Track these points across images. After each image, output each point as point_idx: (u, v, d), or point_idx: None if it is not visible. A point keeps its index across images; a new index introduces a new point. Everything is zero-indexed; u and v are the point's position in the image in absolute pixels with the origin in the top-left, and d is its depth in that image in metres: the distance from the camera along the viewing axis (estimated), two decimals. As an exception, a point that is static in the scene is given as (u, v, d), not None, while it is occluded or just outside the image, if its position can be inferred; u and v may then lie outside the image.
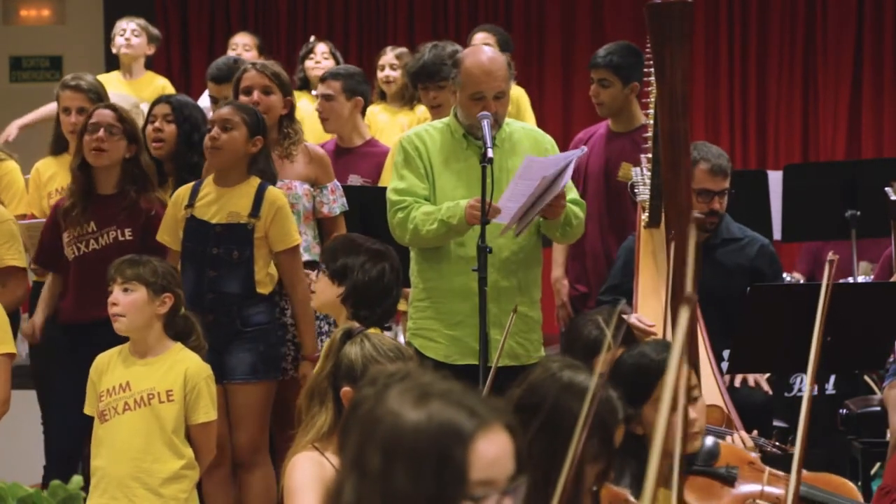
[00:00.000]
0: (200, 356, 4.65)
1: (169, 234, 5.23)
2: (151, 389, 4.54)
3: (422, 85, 6.20)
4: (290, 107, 5.60)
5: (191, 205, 5.21)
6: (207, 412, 4.60)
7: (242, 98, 5.51)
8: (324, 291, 4.59)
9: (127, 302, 4.54)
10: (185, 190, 5.28)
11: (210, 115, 6.15)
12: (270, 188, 5.21)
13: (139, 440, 4.51)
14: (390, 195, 5.11)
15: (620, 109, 6.06)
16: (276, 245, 5.16)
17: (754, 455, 3.98)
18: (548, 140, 5.27)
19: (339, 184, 5.66)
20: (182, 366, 4.59)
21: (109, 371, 4.60)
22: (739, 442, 4.22)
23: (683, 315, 1.90)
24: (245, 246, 5.14)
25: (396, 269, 4.65)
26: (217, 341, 5.10)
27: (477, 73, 5.02)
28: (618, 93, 6.02)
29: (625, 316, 5.08)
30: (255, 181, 5.21)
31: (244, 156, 5.21)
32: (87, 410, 4.65)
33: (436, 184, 5.08)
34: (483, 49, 5.34)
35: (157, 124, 5.71)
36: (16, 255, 5.29)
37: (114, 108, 5.44)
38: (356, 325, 3.85)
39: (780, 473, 3.73)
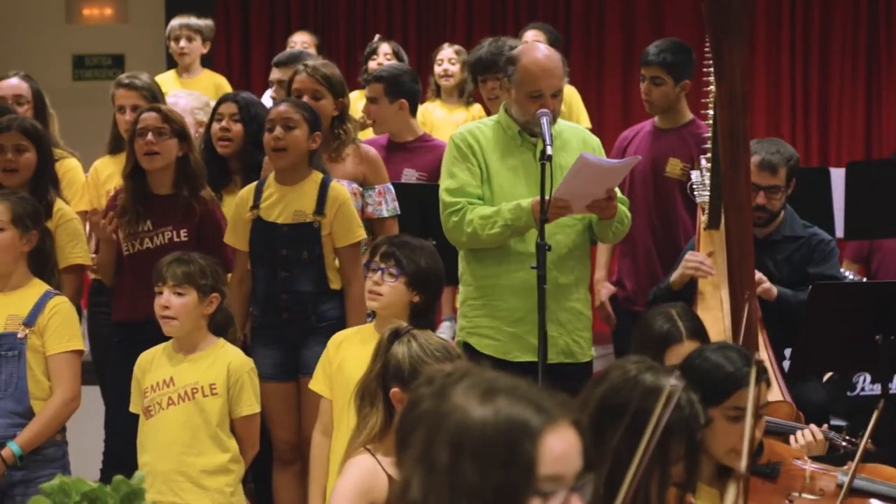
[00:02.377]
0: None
1: (236, 235, 5.25)
2: (195, 384, 4.57)
3: (481, 77, 6.21)
4: (342, 108, 5.58)
5: (256, 206, 5.22)
6: (251, 405, 4.63)
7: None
8: (398, 295, 4.48)
9: (178, 305, 4.57)
10: (248, 191, 5.29)
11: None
12: (333, 184, 5.21)
13: (183, 434, 4.55)
14: (443, 196, 5.10)
15: (669, 107, 6.04)
16: (339, 241, 5.17)
17: (825, 442, 3.95)
18: (595, 141, 5.28)
19: (390, 187, 5.59)
20: (225, 360, 4.62)
21: (153, 368, 4.63)
22: (810, 436, 4.19)
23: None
24: (313, 245, 5.15)
25: None
26: (292, 337, 5.14)
27: (535, 71, 5.02)
28: (669, 91, 6.00)
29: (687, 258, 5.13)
30: (318, 177, 5.22)
31: (307, 152, 5.22)
32: (133, 409, 4.68)
33: (492, 181, 5.07)
34: (538, 46, 5.33)
35: (224, 123, 5.74)
36: (80, 253, 5.34)
37: (158, 108, 5.43)
38: (402, 324, 3.85)
39: (823, 468, 3.71)
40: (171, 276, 4.58)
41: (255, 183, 5.33)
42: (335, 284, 5.19)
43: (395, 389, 3.59)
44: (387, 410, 3.62)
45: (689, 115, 6.10)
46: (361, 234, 5.21)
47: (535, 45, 5.39)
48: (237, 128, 5.73)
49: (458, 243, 5.10)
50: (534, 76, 5.01)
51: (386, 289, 4.49)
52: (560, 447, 1.87)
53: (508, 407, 1.86)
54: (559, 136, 5.10)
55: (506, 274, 5.03)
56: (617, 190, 5.13)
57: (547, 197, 4.76)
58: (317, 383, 4.60)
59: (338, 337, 4.65)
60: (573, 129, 5.31)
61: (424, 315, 4.52)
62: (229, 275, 5.20)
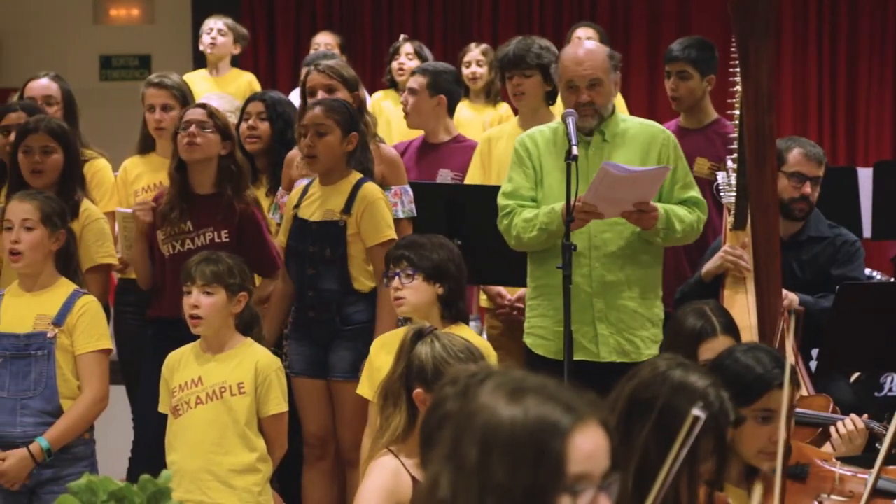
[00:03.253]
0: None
1: (284, 235, 5.31)
2: (223, 383, 4.59)
3: (508, 73, 6.21)
4: (359, 102, 5.57)
5: (298, 205, 5.26)
6: (279, 404, 4.64)
7: (309, 100, 5.50)
8: (421, 294, 4.53)
9: (207, 304, 4.59)
10: (297, 191, 5.34)
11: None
12: (366, 184, 5.22)
13: (211, 433, 4.56)
14: (499, 199, 5.14)
15: (696, 103, 6.02)
16: (368, 240, 5.16)
17: (865, 432, 3.93)
18: (664, 135, 5.20)
19: (408, 189, 5.58)
20: (252, 359, 4.63)
21: (181, 368, 4.65)
22: (851, 426, 4.17)
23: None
24: (338, 243, 5.17)
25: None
26: (320, 337, 5.16)
27: (567, 63, 5.08)
28: (696, 85, 6.01)
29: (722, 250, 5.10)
30: (355, 178, 5.23)
31: (342, 156, 5.24)
32: (161, 409, 4.71)
33: (544, 183, 5.10)
34: (581, 42, 5.35)
35: (251, 122, 5.79)
36: (107, 253, 5.36)
37: (204, 105, 5.50)
38: (426, 324, 3.85)
39: (852, 470, 3.70)
40: (199, 275, 4.60)
41: (305, 183, 5.36)
42: (360, 286, 5.19)
43: (418, 390, 3.59)
44: (410, 411, 3.63)
45: (714, 115, 6.09)
46: (390, 234, 5.20)
47: (575, 41, 5.41)
48: (264, 126, 5.78)
49: (510, 245, 5.14)
50: (565, 68, 5.08)
51: (407, 291, 4.53)
52: (589, 446, 1.88)
53: (537, 406, 1.87)
54: (622, 133, 5.09)
55: (555, 274, 4.97)
56: (694, 190, 5.10)
57: (573, 198, 4.76)
58: (364, 388, 4.64)
59: (379, 341, 4.69)
60: (642, 126, 5.24)
61: (454, 303, 4.56)
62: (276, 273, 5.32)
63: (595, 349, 5.01)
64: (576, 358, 4.93)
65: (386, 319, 5.07)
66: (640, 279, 5.09)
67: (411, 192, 5.59)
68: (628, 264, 5.06)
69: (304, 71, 6.79)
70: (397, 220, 5.50)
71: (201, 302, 4.59)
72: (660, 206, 4.98)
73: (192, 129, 5.29)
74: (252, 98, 5.98)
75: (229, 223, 5.29)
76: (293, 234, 5.25)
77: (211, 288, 4.59)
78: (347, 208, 5.17)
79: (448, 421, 1.93)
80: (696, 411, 2.32)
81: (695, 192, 5.15)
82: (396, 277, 4.56)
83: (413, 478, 3.58)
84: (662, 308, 5.19)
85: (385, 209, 5.23)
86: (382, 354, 4.55)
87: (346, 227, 5.17)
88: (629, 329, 5.04)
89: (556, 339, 5.03)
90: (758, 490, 3.33)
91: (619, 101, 7.67)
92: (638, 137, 5.12)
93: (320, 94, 5.50)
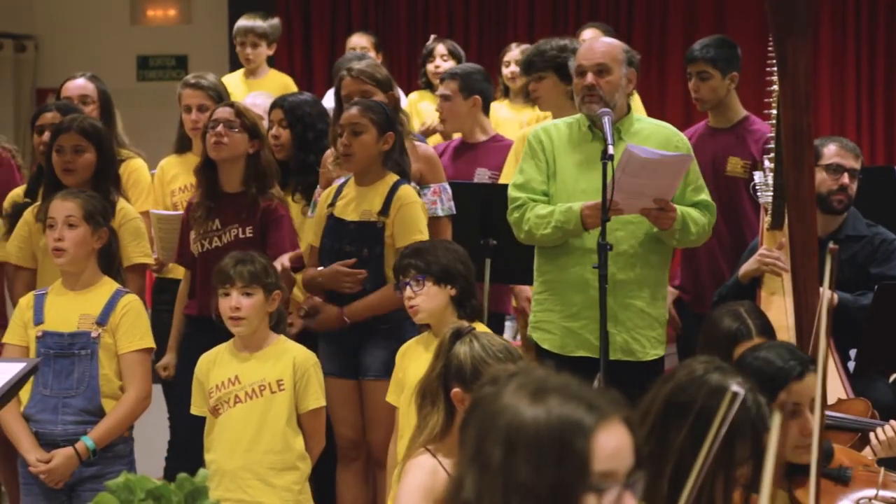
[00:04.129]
0: None
1: (313, 233, 5.32)
2: (262, 381, 4.61)
3: (527, 77, 6.23)
4: (393, 101, 5.58)
5: (332, 204, 5.27)
6: (317, 398, 4.66)
7: (344, 105, 5.51)
8: (434, 298, 4.54)
9: (248, 305, 4.61)
10: (330, 190, 5.35)
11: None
12: (403, 187, 5.23)
13: (251, 432, 4.58)
14: (510, 191, 5.15)
15: (720, 102, 6.01)
16: (399, 241, 5.16)
17: (870, 457, 3.92)
18: (678, 138, 5.23)
19: (446, 187, 5.59)
20: (289, 355, 4.65)
21: (217, 367, 4.67)
22: (891, 432, 4.15)
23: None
24: (375, 244, 5.18)
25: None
26: (352, 338, 5.17)
27: (581, 52, 5.18)
28: (718, 84, 5.98)
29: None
30: (391, 179, 5.24)
31: (377, 155, 5.24)
32: (194, 410, 4.72)
33: (557, 177, 5.09)
34: (600, 37, 5.35)
35: (273, 130, 5.81)
36: (143, 253, 5.39)
37: (232, 104, 5.52)
38: (465, 323, 3.86)
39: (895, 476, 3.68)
40: (238, 277, 4.62)
41: (338, 183, 5.36)
42: None
43: (456, 389, 3.60)
44: (447, 410, 3.63)
45: (743, 112, 6.07)
46: (423, 235, 5.21)
47: (595, 37, 5.41)
48: (285, 133, 5.78)
49: (519, 239, 5.15)
50: (578, 55, 5.17)
51: (420, 299, 4.56)
52: (613, 444, 1.88)
53: (560, 406, 1.88)
54: (638, 133, 5.10)
55: (564, 269, 5.04)
56: (704, 194, 5.12)
57: (611, 197, 4.75)
58: (391, 395, 4.65)
59: (403, 348, 4.70)
60: (656, 127, 5.27)
61: (468, 301, 4.57)
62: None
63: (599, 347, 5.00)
64: (579, 354, 4.99)
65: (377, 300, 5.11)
66: (650, 279, 5.10)
67: (450, 190, 5.60)
68: (639, 264, 5.07)
69: (337, 74, 6.81)
70: (436, 219, 5.52)
71: (242, 303, 4.61)
72: (677, 207, 4.98)
73: (220, 128, 5.33)
74: (273, 105, 5.97)
75: (253, 219, 5.32)
76: (328, 233, 5.26)
77: (250, 289, 4.61)
78: (385, 210, 5.18)
79: (474, 421, 1.93)
80: (734, 387, 2.30)
81: (706, 196, 5.16)
82: (408, 287, 4.57)
83: (450, 476, 3.58)
84: (667, 309, 5.23)
85: (420, 213, 5.23)
86: (404, 361, 4.59)
87: (383, 229, 5.18)
88: (637, 328, 5.05)
89: (562, 335, 5.06)
90: (803, 492, 3.31)
91: (636, 102, 7.64)
92: (653, 138, 5.13)
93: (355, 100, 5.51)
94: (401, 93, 6.04)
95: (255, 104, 6.14)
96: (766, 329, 4.20)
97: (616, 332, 5.01)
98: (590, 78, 5.04)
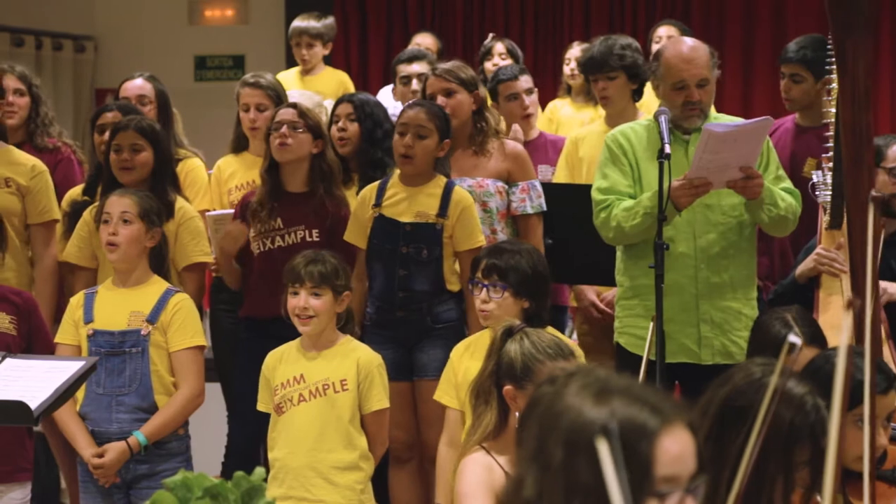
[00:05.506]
0: None
1: (357, 233, 5.30)
2: (326, 380, 4.62)
3: (592, 77, 6.18)
4: (479, 101, 5.58)
5: (378, 204, 5.26)
6: (381, 400, 4.65)
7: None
8: (508, 309, 4.50)
9: (317, 305, 4.62)
10: (370, 190, 5.34)
11: (391, 110, 6.24)
12: (457, 188, 5.24)
13: (315, 430, 4.58)
14: (594, 195, 5.05)
15: (811, 104, 5.93)
16: (460, 245, 5.19)
17: None
18: None
19: (536, 184, 5.58)
20: (354, 355, 4.66)
21: (283, 365, 4.68)
22: None
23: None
24: (434, 245, 5.18)
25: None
26: (407, 338, 5.16)
27: (677, 62, 4.98)
28: (810, 88, 5.90)
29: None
30: (442, 181, 5.26)
31: (433, 161, 5.27)
32: (261, 407, 4.73)
33: (643, 180, 5.01)
34: (683, 39, 5.27)
35: (340, 124, 5.82)
36: (202, 251, 5.42)
37: (295, 105, 5.54)
38: (516, 321, 3.85)
39: None
40: (308, 277, 4.63)
41: (377, 182, 5.37)
42: (452, 286, 5.22)
43: (507, 387, 3.60)
44: (500, 408, 3.64)
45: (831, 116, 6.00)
46: (481, 240, 5.22)
47: (679, 39, 5.33)
48: (353, 127, 5.81)
49: (607, 239, 5.05)
50: (676, 67, 4.97)
51: (493, 305, 4.53)
52: (676, 448, 1.87)
53: (624, 408, 1.87)
54: None
55: (653, 273, 4.89)
56: (787, 182, 5.03)
57: (665, 197, 4.70)
58: (442, 394, 4.63)
59: (460, 347, 4.68)
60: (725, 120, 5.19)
61: (537, 317, 4.53)
62: None
63: (697, 351, 4.95)
64: (676, 360, 4.88)
65: (476, 320, 5.04)
66: (742, 279, 5.03)
67: (539, 187, 5.59)
68: (732, 265, 5.00)
69: (402, 68, 6.83)
70: (526, 216, 5.51)
71: (311, 303, 4.62)
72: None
73: (284, 129, 5.35)
74: (341, 100, 6.01)
75: (321, 223, 5.33)
76: (378, 234, 5.25)
77: (319, 289, 4.62)
78: (443, 211, 5.18)
79: (536, 420, 1.92)
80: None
81: (789, 184, 5.08)
82: (485, 289, 4.55)
83: (506, 474, 3.59)
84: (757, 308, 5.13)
85: (476, 215, 5.25)
86: (462, 360, 4.56)
87: (442, 230, 5.18)
88: (734, 330, 4.96)
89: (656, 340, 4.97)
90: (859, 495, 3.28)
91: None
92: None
93: (440, 99, 5.52)
94: (486, 93, 5.98)
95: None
96: (816, 337, 4.14)
97: (712, 335, 4.94)
98: (697, 95, 4.94)
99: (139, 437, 4.72)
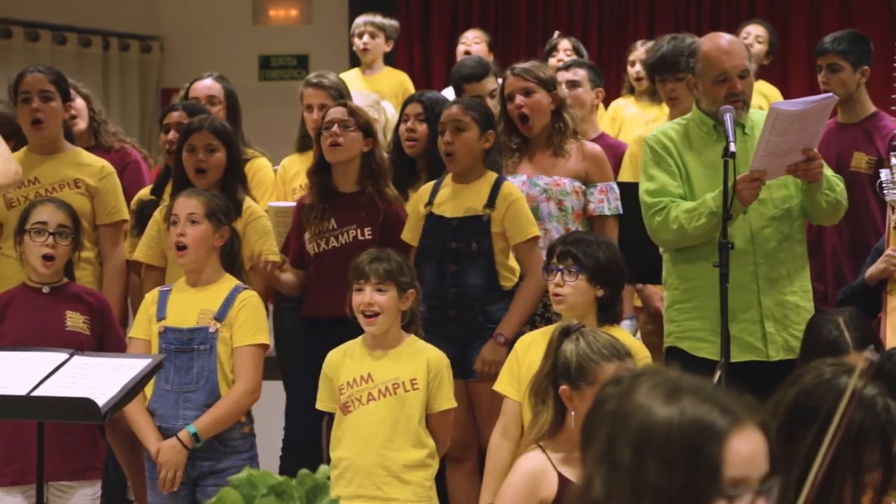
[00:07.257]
0: None
1: (411, 232, 5.31)
2: (396, 379, 4.60)
3: (659, 77, 6.13)
4: (558, 101, 5.55)
5: (430, 203, 5.27)
6: (449, 400, 4.65)
7: (507, 104, 5.49)
8: (582, 294, 4.46)
9: (381, 302, 4.61)
10: (425, 189, 5.35)
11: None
12: (506, 183, 5.23)
13: (384, 429, 4.57)
14: (644, 198, 4.97)
15: (850, 96, 5.89)
16: (513, 238, 5.17)
17: None
18: None
19: (614, 186, 5.54)
20: (423, 355, 4.65)
21: (347, 364, 4.66)
22: None
23: None
24: (482, 237, 5.17)
25: None
26: (460, 336, 5.15)
27: (716, 54, 4.91)
28: (848, 77, 5.87)
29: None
30: (492, 177, 5.25)
31: (479, 153, 5.25)
32: (320, 406, 4.72)
33: (691, 179, 4.95)
34: (717, 34, 5.22)
35: (409, 124, 5.79)
36: (270, 251, 5.42)
37: (345, 104, 5.54)
38: (574, 321, 3.85)
39: None
40: (373, 273, 4.62)
41: (433, 181, 5.37)
42: (506, 282, 5.20)
43: (563, 387, 3.61)
44: (557, 408, 3.66)
45: (872, 108, 5.95)
46: (535, 231, 5.19)
47: (713, 34, 5.28)
48: (422, 128, 5.78)
49: (663, 243, 4.98)
50: (716, 59, 4.90)
51: (568, 289, 4.47)
52: (746, 449, 1.85)
53: (694, 407, 1.85)
54: (758, 125, 4.88)
55: (710, 273, 4.73)
56: (829, 170, 4.99)
57: (730, 196, 4.65)
58: (502, 384, 4.59)
59: (526, 338, 4.64)
60: (763, 113, 5.15)
61: (611, 308, 4.51)
62: None
63: (764, 348, 4.88)
64: (744, 359, 4.81)
65: (520, 308, 5.08)
66: (799, 273, 4.97)
67: (617, 189, 5.55)
68: (789, 259, 4.94)
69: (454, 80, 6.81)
70: (602, 217, 5.48)
71: (376, 299, 4.62)
72: None
73: (335, 128, 5.35)
74: (410, 100, 5.98)
75: (373, 221, 5.33)
76: (428, 232, 5.25)
77: (384, 286, 4.62)
78: (490, 203, 5.17)
79: (605, 421, 1.92)
80: (868, 354, 2.25)
81: (832, 172, 5.00)
82: (559, 274, 4.50)
83: (560, 473, 3.60)
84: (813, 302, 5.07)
85: (527, 207, 5.23)
86: (528, 352, 4.52)
87: (489, 222, 5.17)
88: (794, 324, 4.89)
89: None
90: None
91: (776, 93, 7.56)
92: (761, 124, 5.01)
93: (518, 98, 5.48)
94: (566, 93, 5.94)
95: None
96: (867, 341, 4.08)
97: (775, 331, 4.88)
98: (740, 85, 4.88)
99: (190, 428, 4.73)
